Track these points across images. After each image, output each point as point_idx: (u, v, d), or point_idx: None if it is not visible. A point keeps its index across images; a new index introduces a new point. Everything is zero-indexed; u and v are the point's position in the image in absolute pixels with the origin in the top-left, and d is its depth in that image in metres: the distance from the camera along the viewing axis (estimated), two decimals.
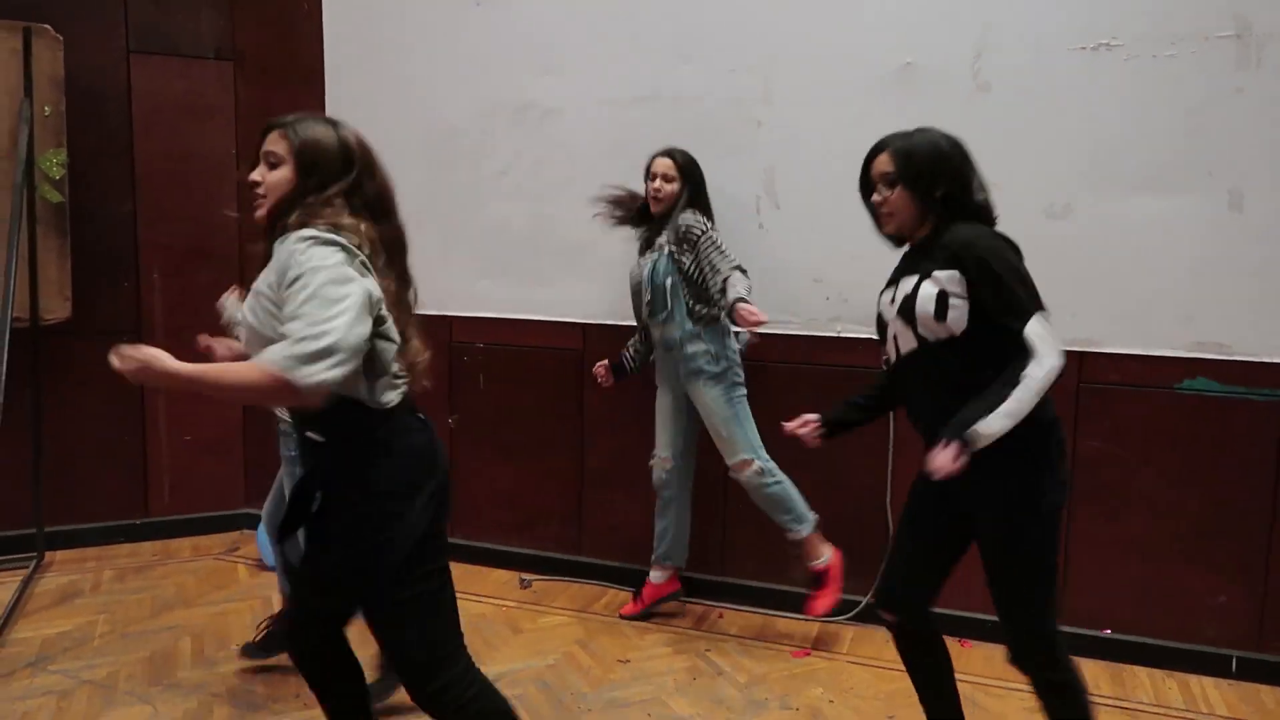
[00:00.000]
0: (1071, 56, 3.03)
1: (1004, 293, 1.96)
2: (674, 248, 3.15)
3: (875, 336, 2.22)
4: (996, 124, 3.11)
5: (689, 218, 3.14)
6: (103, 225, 3.89)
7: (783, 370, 3.44)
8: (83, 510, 3.98)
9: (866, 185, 2.16)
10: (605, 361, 3.37)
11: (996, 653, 3.14)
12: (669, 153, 3.22)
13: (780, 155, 3.37)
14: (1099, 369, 3.11)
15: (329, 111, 3.96)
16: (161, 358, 1.61)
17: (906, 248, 2.18)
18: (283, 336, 1.64)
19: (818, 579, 3.18)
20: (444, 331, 3.84)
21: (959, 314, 1.98)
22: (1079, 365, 3.13)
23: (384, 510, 1.78)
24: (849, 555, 3.21)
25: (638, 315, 3.30)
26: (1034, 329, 1.94)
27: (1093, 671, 3.08)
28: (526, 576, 3.69)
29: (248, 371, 1.64)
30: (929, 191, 2.06)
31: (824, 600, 3.15)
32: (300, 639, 2.02)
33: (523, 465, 3.59)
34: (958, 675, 3.03)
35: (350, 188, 1.83)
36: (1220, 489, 3.02)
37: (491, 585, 3.66)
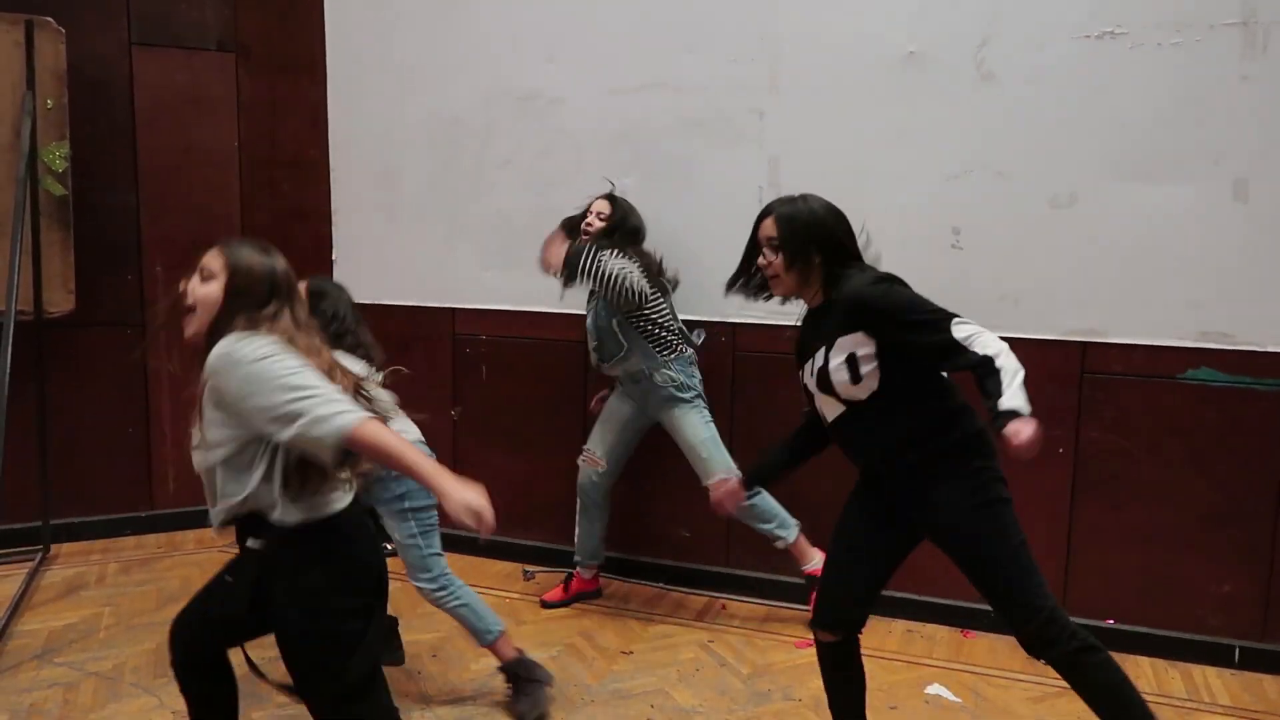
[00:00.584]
0: (1076, 45, 3.01)
1: (913, 328, 2.01)
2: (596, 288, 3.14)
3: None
4: (1000, 113, 3.10)
5: (604, 256, 3.06)
6: (106, 218, 3.89)
7: (785, 361, 3.41)
8: (88, 503, 4.00)
9: (753, 248, 2.21)
10: (604, 394, 3.41)
11: (999, 643, 3.16)
12: (609, 196, 3.27)
13: (783, 145, 3.36)
14: (1103, 359, 3.10)
15: (331, 102, 3.98)
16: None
17: (805, 312, 2.22)
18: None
19: (812, 581, 3.18)
20: (447, 323, 3.85)
21: (871, 369, 2.04)
22: (1082, 355, 3.12)
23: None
24: None
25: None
26: (960, 334, 1.98)
27: None
28: (530, 568, 3.70)
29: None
30: (807, 257, 2.11)
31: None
32: (189, 649, 2.01)
33: (525, 457, 3.59)
34: (962, 665, 3.05)
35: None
36: (1224, 478, 3.02)
37: (494, 577, 3.67)
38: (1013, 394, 1.91)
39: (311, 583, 1.77)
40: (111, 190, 3.92)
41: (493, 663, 2.98)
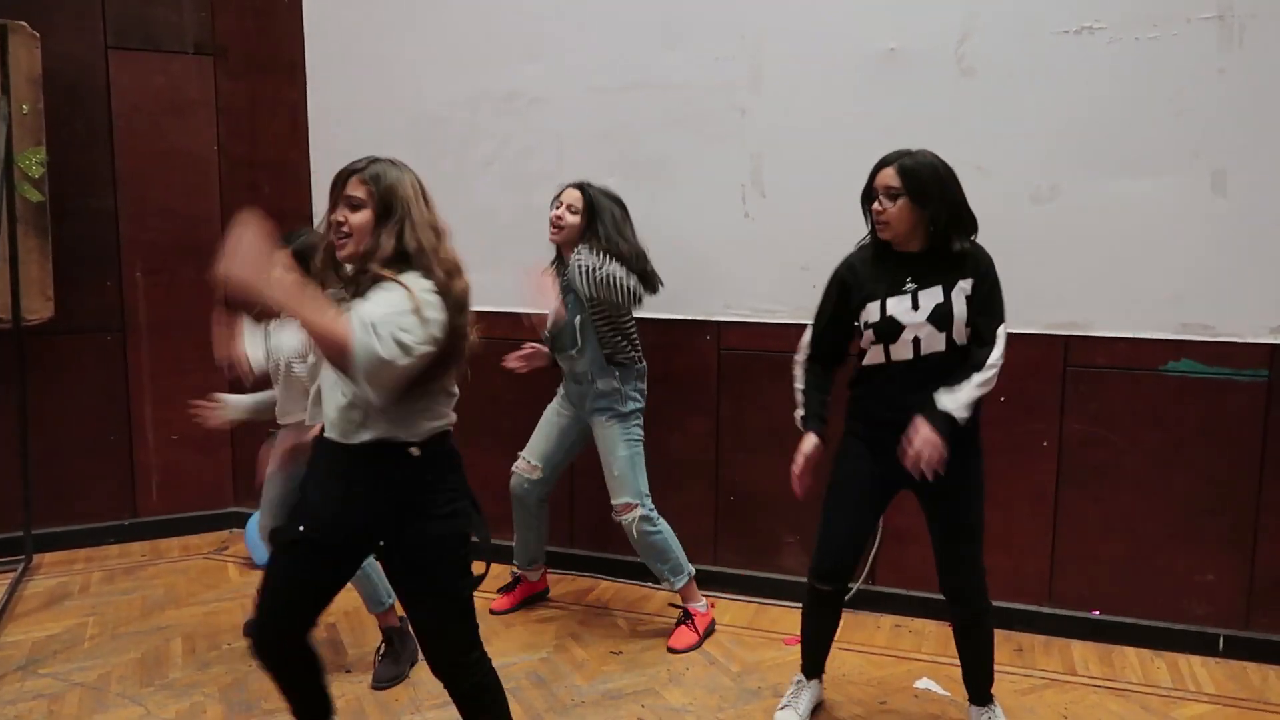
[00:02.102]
0: (1055, 40, 3.02)
1: (996, 302, 2.39)
2: (578, 287, 3.04)
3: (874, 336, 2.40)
4: (981, 108, 3.11)
5: (583, 256, 3.00)
6: (84, 223, 3.85)
7: (770, 359, 3.43)
8: (71, 511, 3.96)
9: (869, 194, 2.43)
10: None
11: None
12: (580, 185, 3.09)
13: (766, 143, 3.36)
14: (1085, 352, 3.12)
15: (311, 103, 3.95)
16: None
17: (871, 252, 2.46)
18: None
19: (686, 616, 3.18)
20: None
21: (964, 323, 2.38)
22: (1065, 348, 3.14)
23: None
24: None
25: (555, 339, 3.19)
26: (1002, 327, 2.39)
27: (1081, 652, 3.11)
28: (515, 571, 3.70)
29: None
30: (925, 208, 2.34)
31: (684, 638, 3.14)
32: (274, 647, 2.03)
33: (513, 458, 3.56)
34: (950, 659, 3.06)
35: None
36: (1207, 469, 3.04)
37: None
38: (959, 399, 2.31)
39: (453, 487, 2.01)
40: (89, 195, 3.88)
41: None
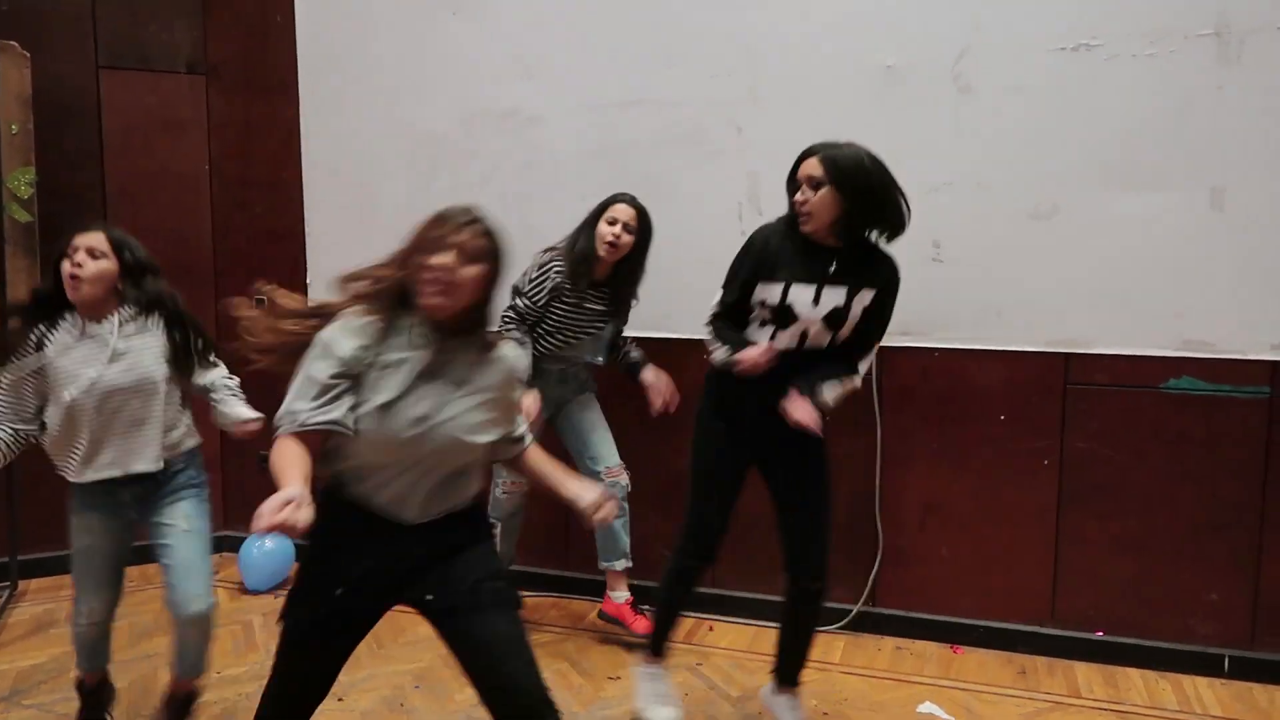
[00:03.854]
0: (1052, 57, 3.02)
1: (888, 318, 2.46)
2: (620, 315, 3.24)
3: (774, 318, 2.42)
4: (979, 125, 3.10)
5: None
6: None
7: None
8: (57, 537, 3.87)
9: (792, 183, 2.40)
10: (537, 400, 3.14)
11: (989, 659, 3.14)
12: (634, 202, 3.08)
13: (763, 160, 3.34)
14: (1086, 369, 3.10)
15: (304, 122, 3.92)
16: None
17: (796, 239, 2.40)
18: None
19: (637, 605, 3.28)
20: None
21: (853, 325, 2.43)
22: (1066, 366, 3.12)
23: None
24: (841, 561, 3.17)
25: (561, 350, 3.20)
26: (876, 344, 2.50)
27: (1085, 673, 3.08)
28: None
29: None
30: (847, 201, 2.30)
31: (646, 622, 3.16)
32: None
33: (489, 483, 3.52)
34: (953, 682, 3.02)
35: None
36: (1210, 487, 3.02)
37: None
38: (833, 395, 2.39)
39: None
40: (79, 215, 3.82)
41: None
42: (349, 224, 3.89)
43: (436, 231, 1.75)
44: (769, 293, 2.39)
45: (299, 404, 1.71)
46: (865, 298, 2.38)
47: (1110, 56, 2.97)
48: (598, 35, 3.50)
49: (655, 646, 2.76)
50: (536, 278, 3.11)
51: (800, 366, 2.40)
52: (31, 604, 3.61)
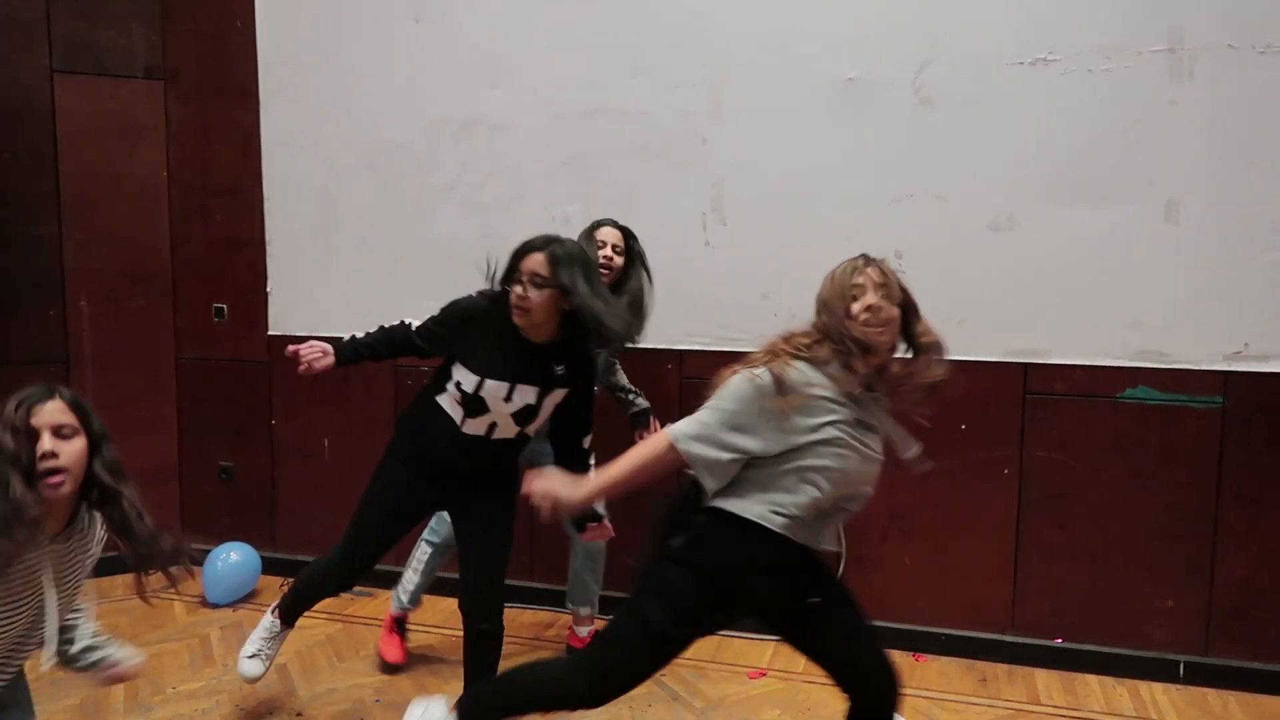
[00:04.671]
0: (1011, 71, 3.06)
1: (587, 417, 2.53)
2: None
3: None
4: (939, 137, 3.14)
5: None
6: (26, 251, 3.74)
7: None
8: None
9: (514, 277, 2.35)
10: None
11: (951, 667, 3.16)
12: (616, 224, 3.08)
13: (727, 171, 3.36)
14: (1044, 379, 3.14)
15: (264, 128, 3.88)
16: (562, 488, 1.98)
17: (510, 334, 2.40)
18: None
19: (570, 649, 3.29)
20: None
21: (546, 419, 2.52)
22: (1024, 375, 3.15)
23: None
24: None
25: None
26: (586, 442, 2.56)
27: (1045, 680, 3.10)
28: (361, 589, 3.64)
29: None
30: (569, 303, 2.33)
31: None
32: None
33: None
34: (914, 690, 3.04)
35: None
36: (1165, 495, 3.06)
37: (440, 614, 3.57)
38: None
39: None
40: (32, 222, 3.77)
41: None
42: (310, 232, 3.85)
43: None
44: (463, 377, 2.44)
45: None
46: (558, 397, 2.46)
47: (1066, 71, 3.02)
48: (562, 44, 3.50)
49: (286, 614, 2.79)
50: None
51: (485, 448, 2.50)
52: None
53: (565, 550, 3.52)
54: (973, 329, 3.16)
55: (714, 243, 3.40)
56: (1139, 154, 2.98)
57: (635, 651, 2.09)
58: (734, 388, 1.95)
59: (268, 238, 3.91)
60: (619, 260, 3.07)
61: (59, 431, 1.65)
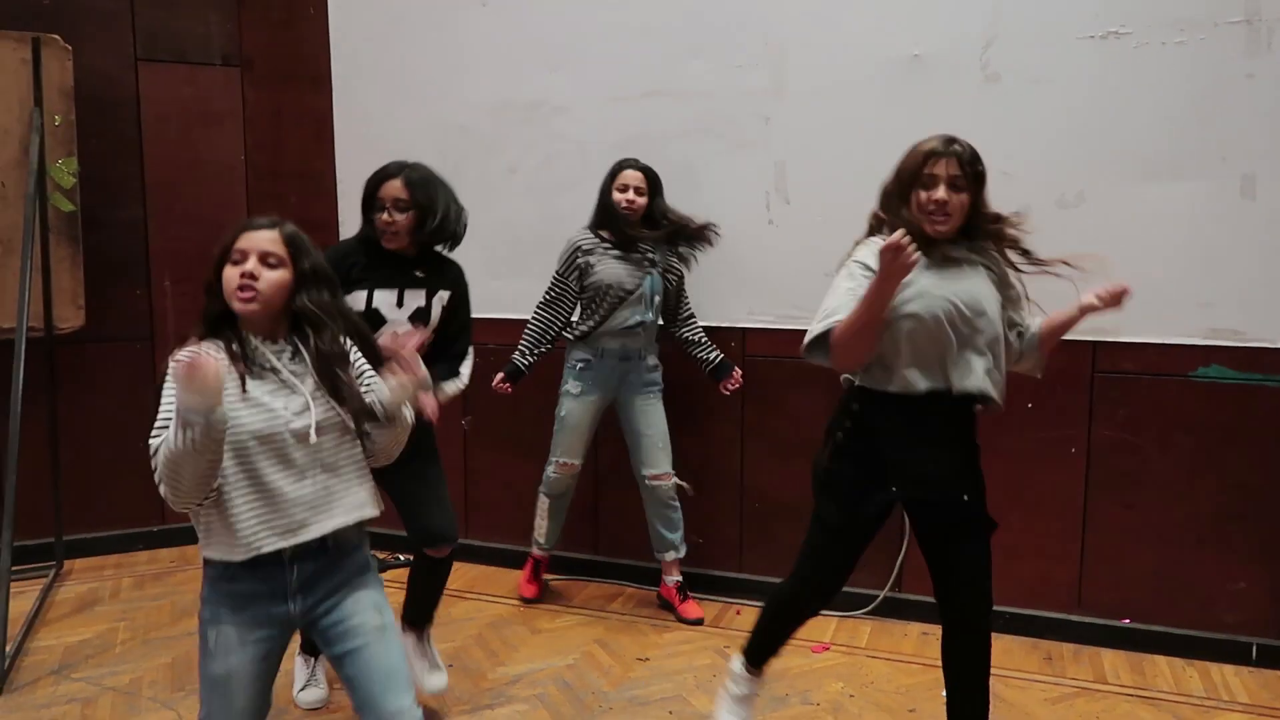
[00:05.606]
0: (1080, 45, 3.02)
1: (468, 315, 2.71)
2: (668, 266, 3.32)
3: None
4: (1006, 114, 3.10)
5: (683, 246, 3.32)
6: (113, 232, 3.90)
7: (795, 366, 3.42)
8: (100, 518, 4.00)
9: (376, 205, 2.56)
10: (501, 375, 3.33)
11: (1014, 645, 3.16)
12: (637, 164, 3.26)
13: (790, 150, 3.36)
14: (1114, 358, 3.10)
15: (337, 113, 3.98)
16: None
17: (372, 248, 2.58)
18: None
19: (684, 589, 3.43)
20: None
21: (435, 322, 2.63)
22: (1093, 354, 3.12)
23: None
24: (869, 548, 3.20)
25: (604, 317, 3.26)
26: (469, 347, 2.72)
27: (1111, 660, 3.09)
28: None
29: None
30: (428, 216, 2.54)
31: (696, 607, 3.41)
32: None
33: (537, 465, 3.58)
34: None
35: None
36: (1237, 475, 3.02)
37: (509, 586, 3.67)
38: (451, 385, 2.63)
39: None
40: (119, 205, 3.93)
41: (511, 671, 2.99)
42: None
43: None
44: (354, 301, 2.51)
45: None
46: (443, 298, 2.62)
47: (1139, 45, 2.96)
48: (624, 26, 3.53)
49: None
50: (564, 253, 3.30)
51: None
52: (76, 583, 3.72)
53: (628, 524, 3.60)
54: (1040, 307, 3.12)
55: (777, 221, 3.41)
56: (1214, 128, 2.92)
57: (822, 547, 2.28)
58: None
59: (340, 219, 4.02)
60: (640, 200, 3.23)
61: (265, 260, 1.74)
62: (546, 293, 3.34)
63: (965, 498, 2.17)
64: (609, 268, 3.24)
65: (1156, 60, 2.95)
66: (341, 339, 1.80)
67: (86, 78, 3.71)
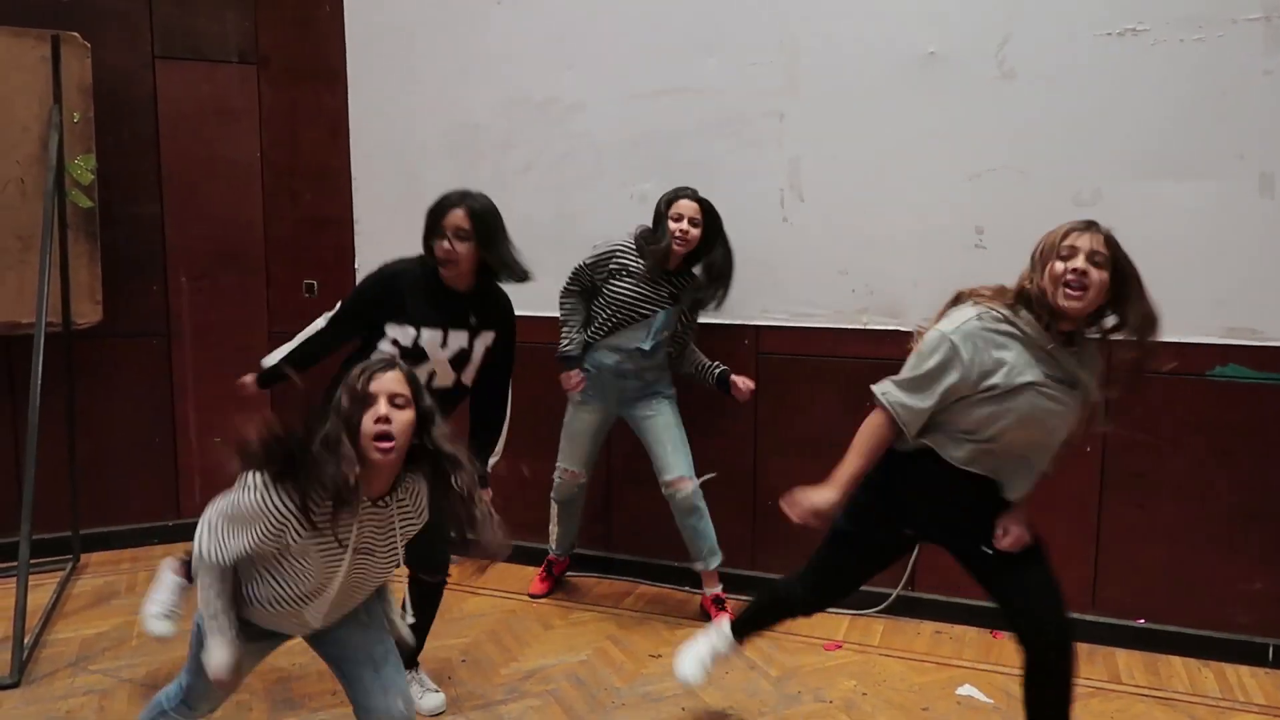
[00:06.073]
0: (1097, 43, 3.00)
1: (511, 358, 2.71)
2: (689, 304, 3.29)
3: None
4: (1021, 112, 3.09)
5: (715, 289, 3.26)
6: (131, 229, 3.93)
7: (809, 363, 3.43)
8: (116, 512, 4.03)
9: (438, 233, 2.56)
10: (577, 372, 3.29)
11: None
12: (695, 196, 3.17)
13: (804, 147, 3.36)
14: None
15: (352, 110, 4.00)
16: (811, 496, 2.12)
17: (428, 281, 2.60)
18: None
19: (720, 602, 3.33)
20: None
21: (478, 366, 2.64)
22: (1109, 354, 3.10)
23: None
24: None
25: (607, 333, 3.25)
26: (509, 384, 2.74)
27: (1127, 661, 3.08)
28: (554, 556, 3.71)
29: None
30: (490, 251, 2.55)
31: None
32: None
33: (550, 462, 3.59)
34: (992, 666, 3.04)
35: None
36: (1253, 475, 3.00)
37: (522, 582, 3.67)
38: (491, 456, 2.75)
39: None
40: (136, 202, 3.96)
41: (524, 666, 3.00)
42: (395, 211, 3.96)
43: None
44: (401, 334, 2.56)
45: None
46: (488, 339, 2.62)
47: (1156, 42, 2.95)
48: (638, 24, 3.53)
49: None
50: (602, 252, 3.25)
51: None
52: (93, 576, 3.74)
53: (642, 521, 3.61)
54: None
55: (791, 219, 3.41)
56: (1231, 126, 2.90)
57: (826, 552, 2.35)
58: (930, 344, 2.06)
59: (356, 216, 4.04)
60: (694, 232, 3.14)
61: (393, 400, 1.70)
62: (569, 283, 3.32)
63: (987, 550, 2.16)
64: (629, 287, 3.21)
65: (1173, 57, 2.94)
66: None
67: (105, 75, 3.73)
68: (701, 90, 3.47)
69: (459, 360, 2.61)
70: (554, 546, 3.58)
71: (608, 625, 3.35)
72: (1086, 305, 2.01)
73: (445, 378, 2.62)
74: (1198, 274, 2.98)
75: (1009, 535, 2.13)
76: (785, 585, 2.50)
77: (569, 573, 3.74)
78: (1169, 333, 2.98)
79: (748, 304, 3.48)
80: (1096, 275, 2.00)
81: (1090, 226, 2.04)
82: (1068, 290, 1.99)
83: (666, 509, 3.52)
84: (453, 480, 1.76)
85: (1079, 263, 1.99)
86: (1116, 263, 2.03)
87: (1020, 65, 3.09)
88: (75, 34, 3.57)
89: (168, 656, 3.04)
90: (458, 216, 2.52)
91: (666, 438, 3.27)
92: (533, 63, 3.70)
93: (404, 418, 1.70)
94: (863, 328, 3.35)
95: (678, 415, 3.32)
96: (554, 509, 3.52)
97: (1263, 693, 2.87)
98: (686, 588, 3.61)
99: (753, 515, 3.57)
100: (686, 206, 3.14)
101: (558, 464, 3.43)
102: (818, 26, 3.30)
